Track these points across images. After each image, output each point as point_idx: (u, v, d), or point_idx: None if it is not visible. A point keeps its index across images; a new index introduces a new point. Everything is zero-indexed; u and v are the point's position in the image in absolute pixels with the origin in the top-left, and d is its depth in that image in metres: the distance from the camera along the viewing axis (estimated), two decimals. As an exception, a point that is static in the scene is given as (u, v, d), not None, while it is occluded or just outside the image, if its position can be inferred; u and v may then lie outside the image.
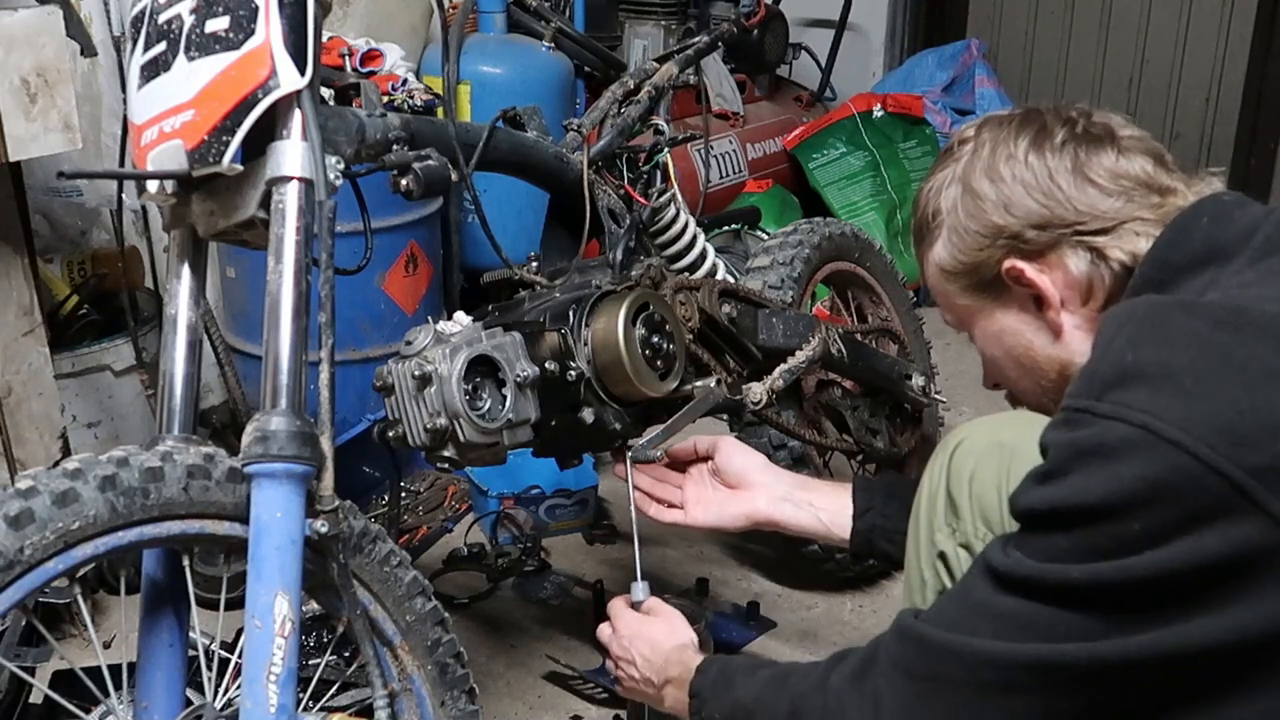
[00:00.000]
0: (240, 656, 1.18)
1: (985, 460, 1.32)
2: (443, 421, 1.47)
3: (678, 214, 2.12)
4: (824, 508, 1.55)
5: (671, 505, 1.65)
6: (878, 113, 3.98)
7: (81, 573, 1.19)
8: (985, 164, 1.12)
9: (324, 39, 1.40)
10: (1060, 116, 1.11)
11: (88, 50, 2.42)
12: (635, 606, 1.53)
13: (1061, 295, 1.08)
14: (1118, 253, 1.05)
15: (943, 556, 1.32)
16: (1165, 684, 0.90)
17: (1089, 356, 0.96)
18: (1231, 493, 0.83)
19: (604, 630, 1.53)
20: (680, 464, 1.68)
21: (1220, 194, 1.06)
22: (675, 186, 2.10)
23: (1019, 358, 1.15)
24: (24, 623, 1.65)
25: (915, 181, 3.96)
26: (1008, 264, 1.09)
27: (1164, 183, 1.07)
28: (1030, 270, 1.08)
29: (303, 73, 1.22)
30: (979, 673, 0.96)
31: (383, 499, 2.44)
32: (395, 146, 1.44)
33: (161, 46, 1.26)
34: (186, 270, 1.35)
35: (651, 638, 1.45)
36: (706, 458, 1.65)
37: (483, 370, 1.52)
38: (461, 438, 1.48)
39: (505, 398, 1.53)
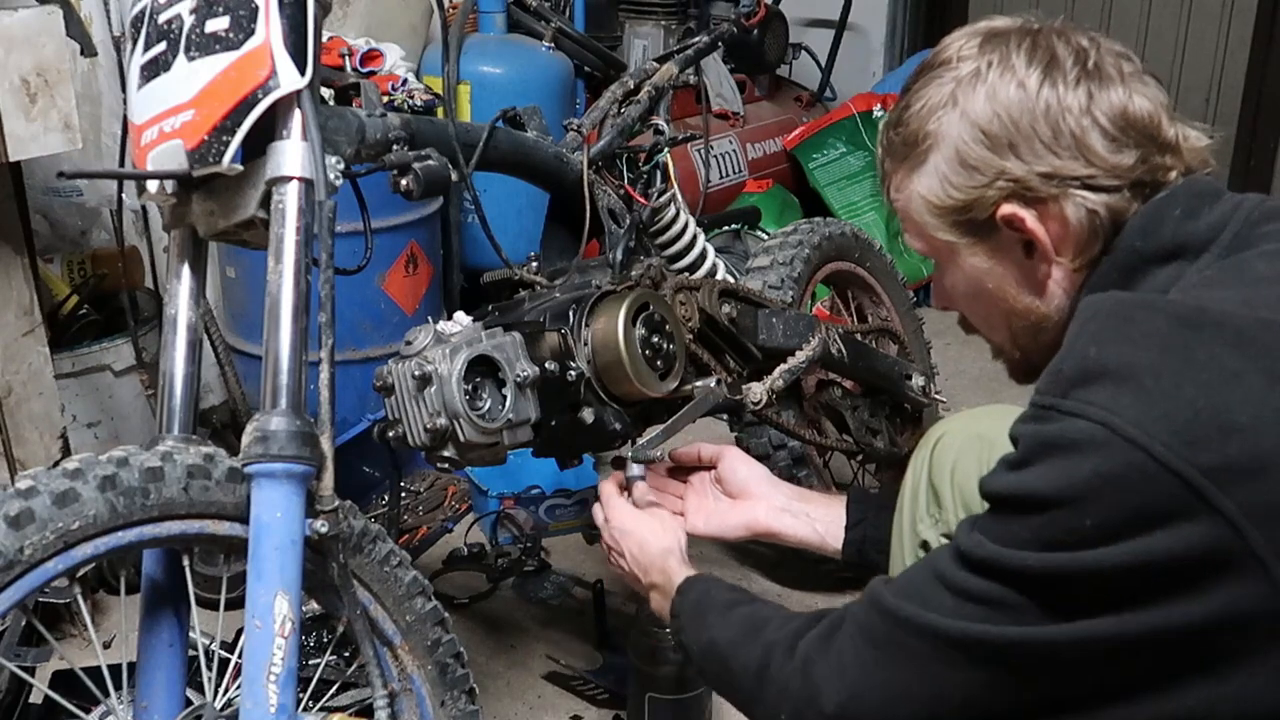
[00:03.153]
0: (240, 656, 1.18)
1: (966, 452, 1.32)
2: (443, 421, 1.47)
3: (678, 214, 2.12)
4: (820, 519, 1.55)
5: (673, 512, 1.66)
6: (878, 113, 3.98)
7: (81, 573, 1.19)
8: (989, 92, 1.04)
9: (324, 39, 1.40)
10: (1070, 45, 1.05)
11: (88, 50, 2.42)
12: (629, 482, 1.56)
13: (1055, 246, 1.05)
14: (1113, 214, 1.03)
15: (925, 545, 1.34)
16: (1110, 671, 0.93)
17: (1059, 352, 0.96)
18: (1185, 492, 0.84)
19: (597, 513, 1.56)
20: (683, 470, 1.68)
21: (1195, 182, 1.05)
22: (675, 186, 2.10)
23: (994, 301, 1.12)
24: (24, 623, 1.65)
25: (915, 181, 3.96)
26: (1007, 210, 1.04)
27: (1167, 136, 1.04)
28: (1031, 220, 1.04)
29: (303, 73, 1.22)
30: (936, 646, 0.98)
31: (383, 499, 2.44)
32: (395, 146, 1.44)
33: (161, 46, 1.26)
34: (186, 270, 1.35)
35: (640, 537, 1.46)
36: (710, 466, 1.65)
37: (483, 370, 1.52)
38: (461, 438, 1.48)
39: (505, 398, 1.53)
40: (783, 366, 1.92)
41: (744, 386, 1.89)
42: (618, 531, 1.50)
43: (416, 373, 1.46)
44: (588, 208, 1.84)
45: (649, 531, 1.47)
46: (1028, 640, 0.93)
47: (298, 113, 1.24)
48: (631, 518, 1.50)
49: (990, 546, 0.94)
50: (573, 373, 1.62)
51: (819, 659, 1.08)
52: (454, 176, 1.47)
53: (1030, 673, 0.95)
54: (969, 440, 1.33)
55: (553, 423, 1.62)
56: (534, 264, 1.87)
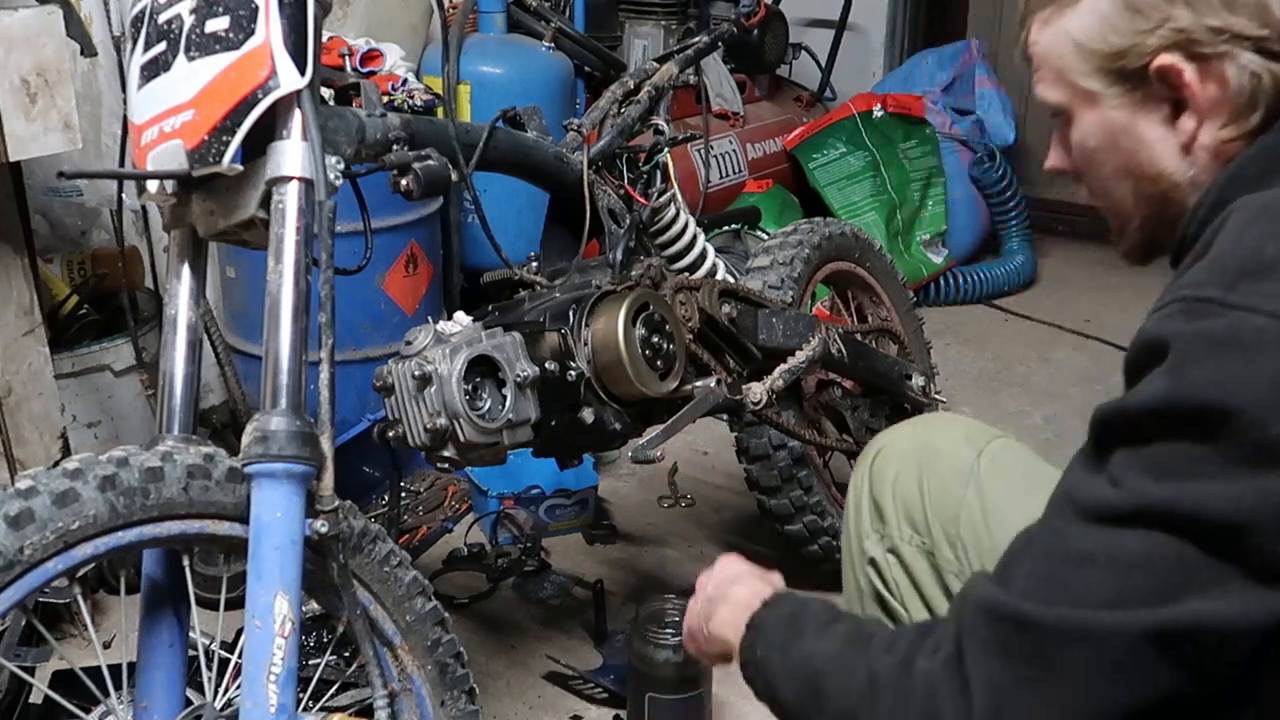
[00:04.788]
0: (240, 656, 1.18)
1: (906, 463, 1.28)
2: (443, 421, 1.47)
3: (678, 214, 2.12)
4: None
5: None
6: (878, 113, 3.98)
7: (81, 573, 1.19)
8: None
9: (324, 39, 1.40)
10: None
11: (88, 50, 2.42)
12: None
13: (1209, 109, 0.96)
14: (1277, 86, 0.94)
15: (873, 563, 1.28)
16: None
17: (1216, 244, 0.88)
18: None
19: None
20: None
21: None
22: (675, 186, 2.10)
23: (1128, 161, 1.02)
24: (24, 623, 1.65)
25: (915, 181, 3.96)
26: (1166, 60, 0.95)
27: None
28: (1189, 74, 0.95)
29: (303, 73, 1.22)
30: (1103, 653, 0.81)
31: (383, 499, 2.44)
32: (395, 146, 1.44)
33: (161, 46, 1.26)
34: (186, 270, 1.35)
35: (742, 567, 1.24)
36: None
37: (483, 370, 1.52)
38: (461, 438, 1.49)
39: (505, 398, 1.53)
40: (783, 366, 1.92)
41: (744, 386, 1.89)
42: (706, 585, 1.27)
43: (416, 373, 1.47)
44: (588, 208, 1.84)
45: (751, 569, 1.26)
46: (1229, 625, 0.78)
47: (298, 113, 1.24)
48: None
49: (1153, 490, 0.79)
50: (573, 373, 1.62)
51: (942, 684, 0.89)
52: (454, 176, 1.47)
53: (1230, 663, 0.80)
54: (908, 451, 1.29)
55: (553, 423, 1.62)
56: (534, 264, 1.87)
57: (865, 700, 0.95)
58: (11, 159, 1.85)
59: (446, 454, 1.52)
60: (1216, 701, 0.84)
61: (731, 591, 1.19)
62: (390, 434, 1.53)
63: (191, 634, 1.32)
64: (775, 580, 1.21)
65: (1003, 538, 0.98)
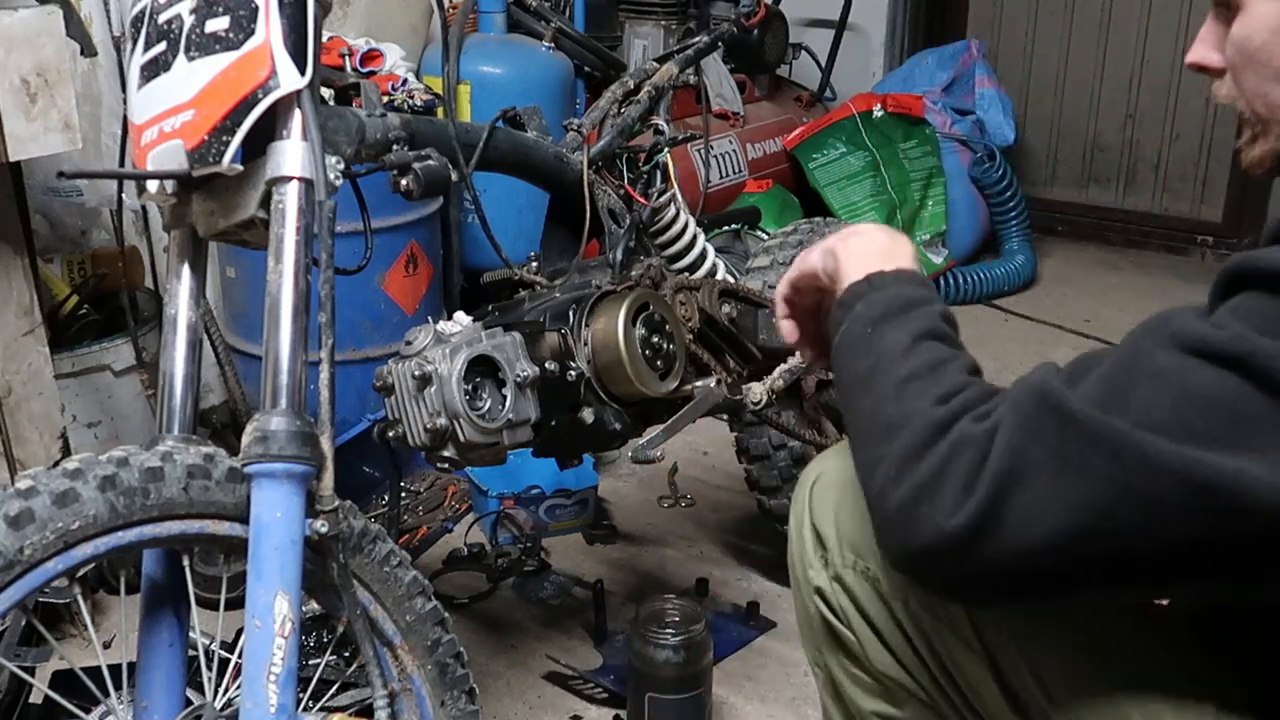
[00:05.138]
0: (240, 656, 1.18)
1: (845, 489, 1.23)
2: (443, 421, 1.47)
3: (678, 214, 2.12)
4: None
5: None
6: (878, 113, 3.98)
7: (81, 573, 1.19)
8: None
9: (324, 39, 1.40)
10: None
11: (88, 50, 2.42)
12: None
13: None
14: None
15: (819, 591, 1.25)
16: None
17: None
18: None
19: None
20: None
21: None
22: (675, 186, 2.10)
23: None
24: (24, 623, 1.65)
25: (915, 181, 3.96)
26: None
27: None
28: None
29: (303, 73, 1.23)
30: (1134, 475, 0.79)
31: (383, 499, 2.44)
32: (395, 146, 1.44)
33: (161, 46, 1.26)
34: (186, 270, 1.35)
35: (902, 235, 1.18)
36: None
37: (483, 370, 1.52)
38: (461, 438, 1.49)
39: (505, 398, 1.53)
40: (783, 366, 1.92)
41: (744, 386, 1.89)
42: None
43: (416, 373, 1.47)
44: (588, 208, 1.84)
45: None
46: (1263, 494, 0.74)
47: (298, 113, 1.24)
48: None
49: (1251, 337, 0.76)
50: (573, 373, 1.62)
51: (969, 446, 0.87)
52: (454, 176, 1.47)
53: (1239, 541, 0.78)
54: (846, 474, 1.21)
55: (553, 423, 1.62)
56: (534, 264, 1.87)
57: (895, 426, 0.94)
58: (11, 159, 1.85)
59: (446, 454, 1.52)
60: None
61: (880, 236, 1.14)
62: (390, 434, 1.53)
63: (191, 634, 1.32)
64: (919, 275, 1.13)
65: None
